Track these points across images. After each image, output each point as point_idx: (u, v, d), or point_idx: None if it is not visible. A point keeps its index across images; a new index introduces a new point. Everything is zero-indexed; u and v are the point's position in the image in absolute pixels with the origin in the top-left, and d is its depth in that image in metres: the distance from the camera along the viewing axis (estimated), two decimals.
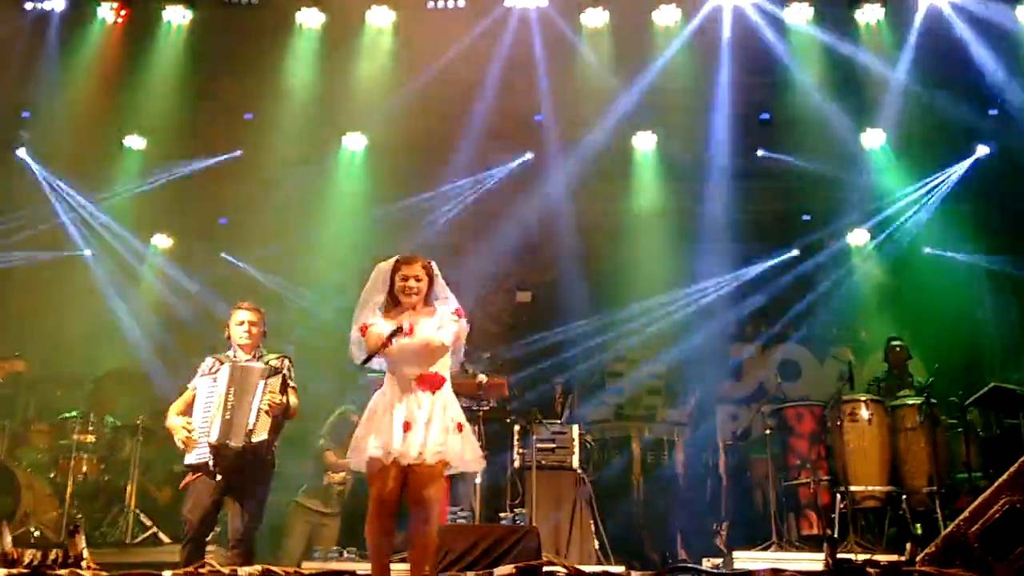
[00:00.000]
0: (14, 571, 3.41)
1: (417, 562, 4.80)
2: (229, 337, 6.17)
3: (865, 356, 10.81)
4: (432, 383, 4.94)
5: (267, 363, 6.06)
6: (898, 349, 9.21)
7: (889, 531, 7.84)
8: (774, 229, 11.18)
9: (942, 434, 8.08)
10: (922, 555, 3.53)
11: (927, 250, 10.86)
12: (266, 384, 5.94)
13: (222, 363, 6.05)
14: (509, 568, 3.34)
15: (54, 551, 3.49)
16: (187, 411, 5.98)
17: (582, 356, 10.97)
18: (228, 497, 5.91)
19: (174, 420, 5.95)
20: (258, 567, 3.51)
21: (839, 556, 3.14)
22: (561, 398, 9.40)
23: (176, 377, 6.39)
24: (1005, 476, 3.56)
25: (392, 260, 5.17)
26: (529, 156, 11.04)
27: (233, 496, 5.90)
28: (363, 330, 5.04)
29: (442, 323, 5.01)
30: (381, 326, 4.97)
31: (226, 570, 3.53)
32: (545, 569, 3.36)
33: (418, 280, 5.08)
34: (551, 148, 10.70)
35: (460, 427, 4.95)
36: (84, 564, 3.46)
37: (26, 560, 3.49)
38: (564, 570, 3.34)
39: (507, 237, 10.68)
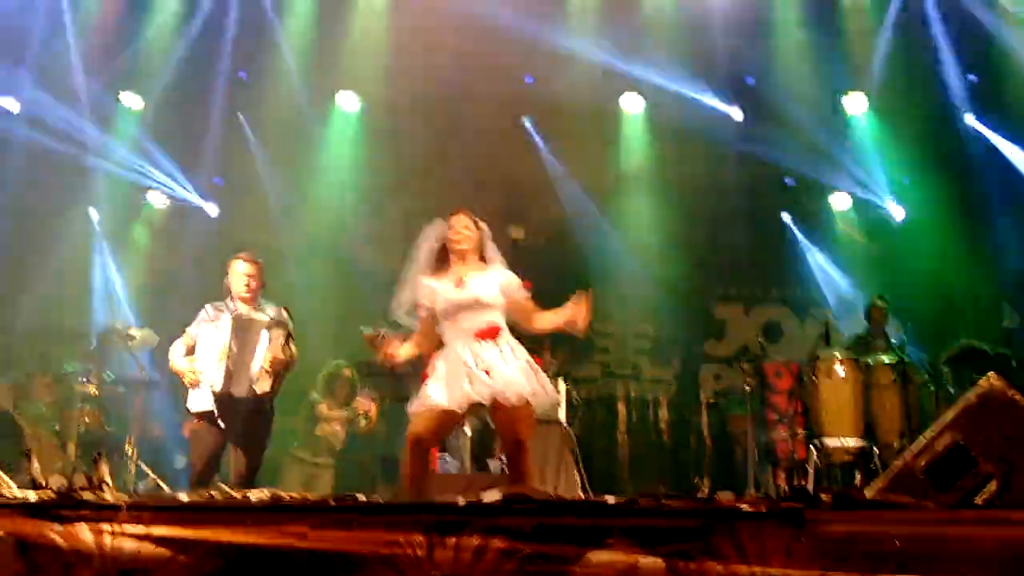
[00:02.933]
0: (42, 494, 3.67)
1: None
2: (228, 288, 6.26)
3: (845, 316, 11.08)
4: (492, 333, 4.98)
5: (271, 317, 6.19)
6: (879, 307, 9.48)
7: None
8: (758, 192, 11.39)
9: (915, 391, 8.36)
10: (873, 486, 3.81)
11: (905, 214, 11.10)
12: (269, 336, 6.09)
13: (221, 312, 6.17)
14: (496, 493, 3.59)
15: (79, 476, 3.75)
16: (187, 355, 6.12)
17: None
18: (230, 442, 6.12)
19: (180, 363, 6.08)
20: (266, 491, 3.77)
21: (795, 485, 3.41)
22: (548, 354, 9.64)
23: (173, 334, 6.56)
24: (950, 414, 3.83)
25: (438, 220, 5.26)
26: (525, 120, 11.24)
27: (235, 442, 6.10)
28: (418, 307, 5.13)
29: (504, 280, 5.10)
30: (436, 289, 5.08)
31: (238, 494, 3.79)
32: (530, 496, 3.62)
33: (467, 229, 5.16)
34: (543, 110, 10.86)
35: (533, 366, 5.00)
36: (106, 489, 3.72)
37: (53, 485, 3.75)
38: (547, 497, 3.61)
39: (497, 198, 10.86)
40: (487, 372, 4.85)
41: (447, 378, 4.93)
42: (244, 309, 6.22)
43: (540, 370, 5.06)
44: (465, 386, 4.85)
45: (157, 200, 11.50)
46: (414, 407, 5.00)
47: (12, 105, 10.33)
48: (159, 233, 11.43)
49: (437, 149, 10.78)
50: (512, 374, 4.86)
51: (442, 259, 5.19)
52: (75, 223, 10.88)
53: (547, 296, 5.42)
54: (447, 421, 4.97)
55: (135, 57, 10.40)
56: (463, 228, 5.17)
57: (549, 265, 10.47)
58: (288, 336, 6.15)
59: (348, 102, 11.17)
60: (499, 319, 5.06)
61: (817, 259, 11.38)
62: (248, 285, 6.23)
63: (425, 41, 9.98)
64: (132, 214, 11.38)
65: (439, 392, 4.91)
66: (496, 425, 5.03)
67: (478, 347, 4.94)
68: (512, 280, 5.15)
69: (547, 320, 5.21)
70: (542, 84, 10.73)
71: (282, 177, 10.95)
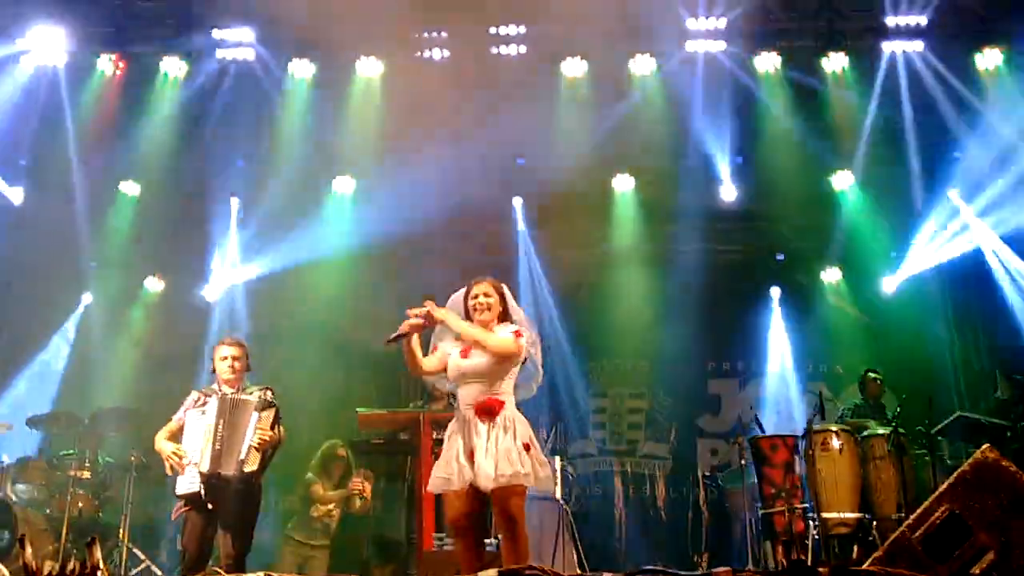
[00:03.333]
0: None
1: None
2: (214, 371, 6.40)
3: (840, 389, 11.13)
4: (489, 410, 5.06)
5: (259, 397, 6.25)
6: (874, 381, 9.53)
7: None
8: (749, 268, 11.51)
9: (910, 462, 8.37)
10: (870, 559, 3.82)
11: (896, 286, 11.22)
12: (259, 417, 6.15)
13: (208, 396, 6.28)
14: (492, 572, 3.59)
15: (72, 562, 3.74)
16: (173, 439, 6.21)
17: (565, 391, 11.22)
18: (220, 525, 6.13)
19: (164, 444, 6.16)
20: (261, 574, 3.75)
21: (793, 558, 3.42)
22: (544, 431, 9.65)
23: (170, 414, 6.65)
24: (945, 485, 3.86)
25: (464, 288, 5.39)
26: (515, 199, 11.39)
27: (225, 523, 6.12)
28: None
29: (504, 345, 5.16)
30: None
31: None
32: (527, 573, 3.61)
33: (487, 296, 5.26)
34: (533, 190, 11.03)
35: (527, 447, 5.05)
36: (100, 574, 3.70)
37: (45, 571, 3.73)
38: (545, 574, 3.60)
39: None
40: (471, 456, 4.99)
41: (446, 460, 5.12)
42: (230, 391, 6.31)
43: (535, 447, 5.11)
44: (456, 471, 5.03)
45: (153, 285, 11.57)
46: (433, 487, 5.21)
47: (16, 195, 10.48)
48: (155, 318, 11.47)
49: (429, 230, 10.90)
50: (501, 459, 4.94)
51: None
52: (68, 308, 10.95)
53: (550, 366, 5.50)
54: (465, 497, 5.05)
55: (133, 146, 10.54)
56: (483, 296, 5.27)
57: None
58: (276, 418, 6.25)
59: (343, 185, 11.31)
60: (500, 390, 5.14)
61: (809, 333, 11.40)
62: (233, 367, 6.35)
63: (419, 123, 10.14)
64: (129, 299, 11.43)
65: (437, 472, 5.14)
66: (492, 504, 5.07)
67: (472, 427, 5.05)
68: (507, 341, 5.18)
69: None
70: (534, 164, 10.88)
71: (276, 258, 11.02)
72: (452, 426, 5.22)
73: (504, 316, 5.30)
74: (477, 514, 5.13)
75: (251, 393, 6.30)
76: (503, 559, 5.08)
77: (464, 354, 5.18)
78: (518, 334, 5.20)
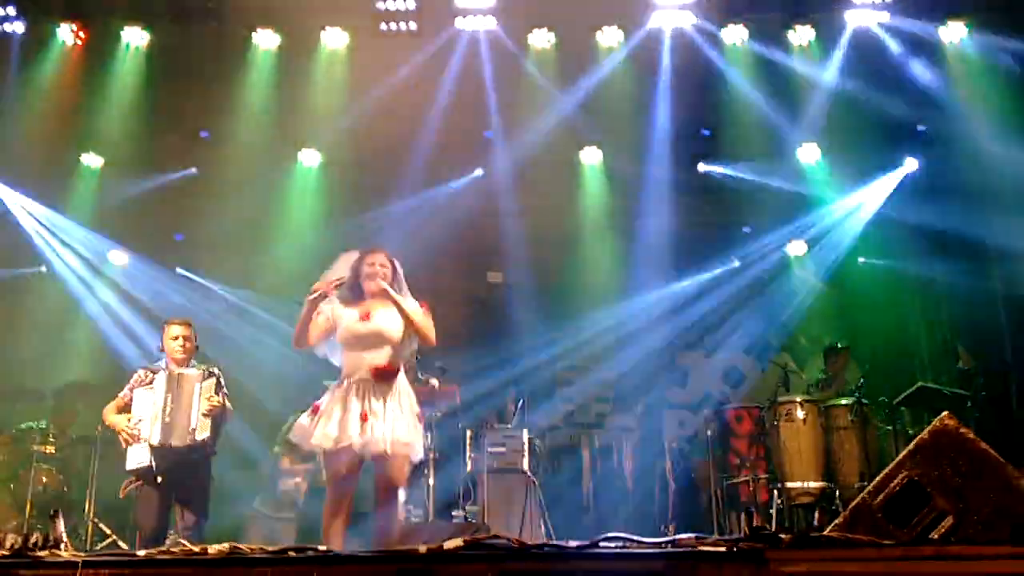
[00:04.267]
0: None
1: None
2: (162, 350, 6.59)
3: (804, 361, 11.22)
4: (386, 375, 5.11)
5: (202, 370, 6.50)
6: (837, 354, 9.63)
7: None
8: (715, 240, 11.55)
9: (873, 432, 8.51)
10: (831, 525, 3.87)
11: (861, 260, 11.31)
12: (201, 388, 6.37)
13: (155, 373, 6.46)
14: (458, 540, 3.59)
15: (35, 535, 3.72)
16: (121, 413, 6.42)
17: (532, 365, 11.25)
18: (173, 498, 6.29)
19: (115, 418, 6.38)
20: (226, 545, 3.74)
21: (755, 525, 3.45)
22: (512, 405, 9.65)
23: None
24: (905, 452, 3.90)
25: (356, 252, 5.40)
26: (479, 172, 11.34)
27: (179, 495, 6.31)
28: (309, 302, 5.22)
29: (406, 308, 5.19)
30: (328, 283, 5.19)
31: (197, 547, 3.76)
32: (495, 542, 3.62)
33: (383, 266, 5.29)
34: (500, 164, 10.99)
35: (420, 417, 5.19)
36: (63, 547, 3.68)
37: (7, 543, 3.71)
38: (509, 542, 3.61)
39: (459, 250, 10.94)
40: (363, 418, 4.99)
41: (336, 420, 5.04)
42: (176, 369, 6.48)
43: (422, 419, 5.26)
44: (346, 430, 4.98)
45: (117, 259, 11.44)
46: (321, 441, 5.06)
47: None
48: (119, 291, 11.35)
49: (400, 202, 10.84)
50: (400, 425, 5.04)
51: (353, 290, 5.30)
52: (32, 280, 10.80)
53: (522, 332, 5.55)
54: (351, 460, 5.05)
55: (94, 117, 10.36)
56: (379, 265, 5.30)
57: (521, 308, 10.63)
58: (218, 386, 6.45)
59: (309, 158, 11.21)
60: (397, 357, 5.21)
61: (775, 305, 11.48)
62: (184, 347, 6.56)
63: (385, 95, 10.07)
64: (92, 272, 11.30)
65: (323, 431, 5.03)
66: (377, 471, 5.09)
67: (369, 389, 5.06)
68: (416, 309, 5.26)
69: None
70: (501, 137, 10.85)
71: (243, 233, 10.92)
72: (337, 389, 5.17)
73: (393, 287, 5.30)
74: (355, 477, 5.13)
75: (197, 369, 6.52)
76: (380, 527, 5.09)
77: (365, 317, 5.17)
78: (424, 306, 5.29)
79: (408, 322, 5.19)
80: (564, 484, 10.35)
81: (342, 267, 5.36)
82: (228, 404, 6.52)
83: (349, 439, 4.97)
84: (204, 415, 6.27)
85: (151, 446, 6.17)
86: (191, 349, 6.57)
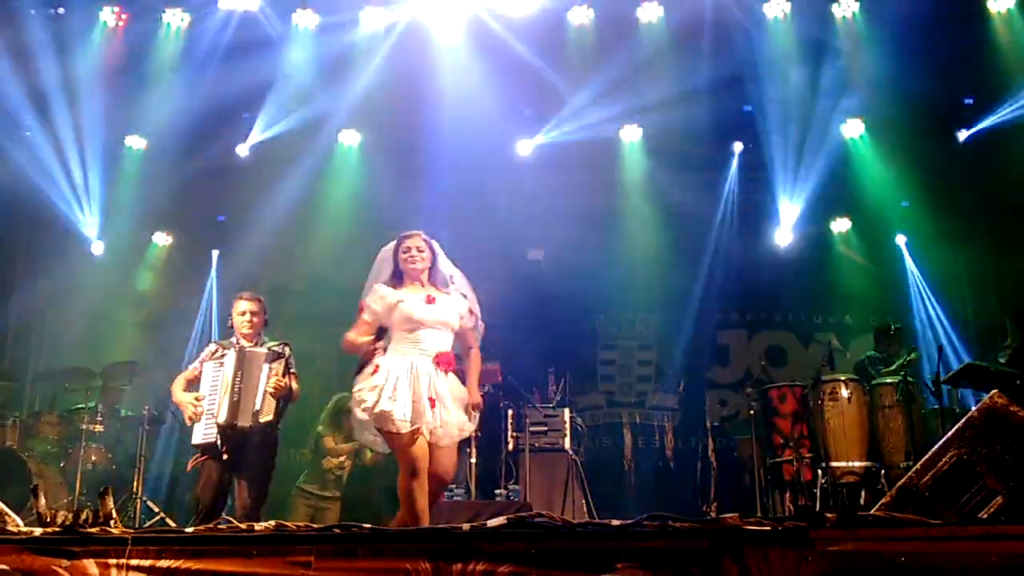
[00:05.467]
0: (48, 530, 3.69)
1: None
2: (231, 326, 6.53)
3: (849, 340, 11.10)
4: (448, 363, 5.14)
5: (270, 348, 6.41)
6: (890, 333, 9.47)
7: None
8: (759, 218, 11.43)
9: (919, 411, 8.39)
10: (878, 504, 3.82)
11: (905, 237, 11.14)
12: (271, 368, 6.29)
13: (226, 349, 6.40)
14: (500, 519, 3.60)
15: (85, 512, 3.78)
16: (189, 388, 6.37)
17: (573, 343, 11.23)
18: (235, 475, 6.24)
19: (182, 395, 6.32)
20: (271, 522, 3.78)
21: (800, 504, 3.42)
22: (554, 384, 9.66)
23: (178, 370, 6.75)
24: (953, 431, 3.84)
25: (393, 241, 5.38)
26: (520, 150, 11.30)
27: (240, 475, 6.25)
28: (361, 308, 5.22)
29: (462, 312, 5.27)
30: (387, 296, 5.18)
31: (243, 525, 3.80)
32: (537, 520, 3.62)
33: (419, 250, 5.27)
34: (540, 140, 10.93)
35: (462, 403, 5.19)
36: (112, 523, 3.74)
37: (59, 520, 3.78)
38: (551, 521, 3.61)
39: (499, 228, 10.92)
40: (433, 403, 5.00)
41: (404, 402, 4.96)
42: (246, 345, 6.44)
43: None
44: (420, 414, 4.94)
45: (161, 239, 11.58)
46: (378, 423, 5.01)
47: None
48: (163, 271, 11.50)
49: (439, 181, 10.84)
50: (460, 413, 5.11)
51: (396, 278, 5.30)
52: (80, 263, 10.95)
53: (558, 318, 5.56)
54: (423, 443, 5.01)
55: (137, 100, 10.46)
56: (416, 249, 5.28)
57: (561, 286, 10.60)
58: (287, 367, 6.38)
59: (349, 138, 11.24)
60: (456, 343, 5.28)
61: (819, 283, 11.35)
62: (251, 322, 6.49)
63: (424, 75, 10.06)
64: (137, 253, 11.44)
65: (400, 413, 4.94)
66: (435, 455, 5.05)
67: (433, 375, 5.04)
68: (466, 307, 5.32)
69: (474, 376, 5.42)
70: (541, 115, 10.79)
71: (285, 213, 10.99)
72: (395, 365, 5.06)
73: (433, 270, 5.32)
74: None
75: (268, 347, 6.44)
76: (427, 509, 5.01)
77: (430, 300, 5.17)
78: (474, 312, 5.36)
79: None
80: (605, 463, 10.36)
81: (383, 258, 5.37)
82: (295, 385, 6.44)
83: (424, 423, 4.96)
84: (270, 394, 6.20)
85: (217, 424, 6.15)
86: (259, 324, 6.50)
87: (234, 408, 6.17)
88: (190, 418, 6.24)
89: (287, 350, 6.45)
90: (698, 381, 11.32)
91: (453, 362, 5.17)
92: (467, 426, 5.14)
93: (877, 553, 3.21)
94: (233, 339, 6.49)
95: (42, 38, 9.79)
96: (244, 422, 6.16)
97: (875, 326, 9.74)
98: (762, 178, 11.10)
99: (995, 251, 10.61)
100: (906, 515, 3.53)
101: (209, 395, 6.26)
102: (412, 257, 5.24)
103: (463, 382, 5.27)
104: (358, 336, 5.22)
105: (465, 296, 5.36)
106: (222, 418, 6.14)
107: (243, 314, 6.48)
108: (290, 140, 10.69)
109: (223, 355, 6.37)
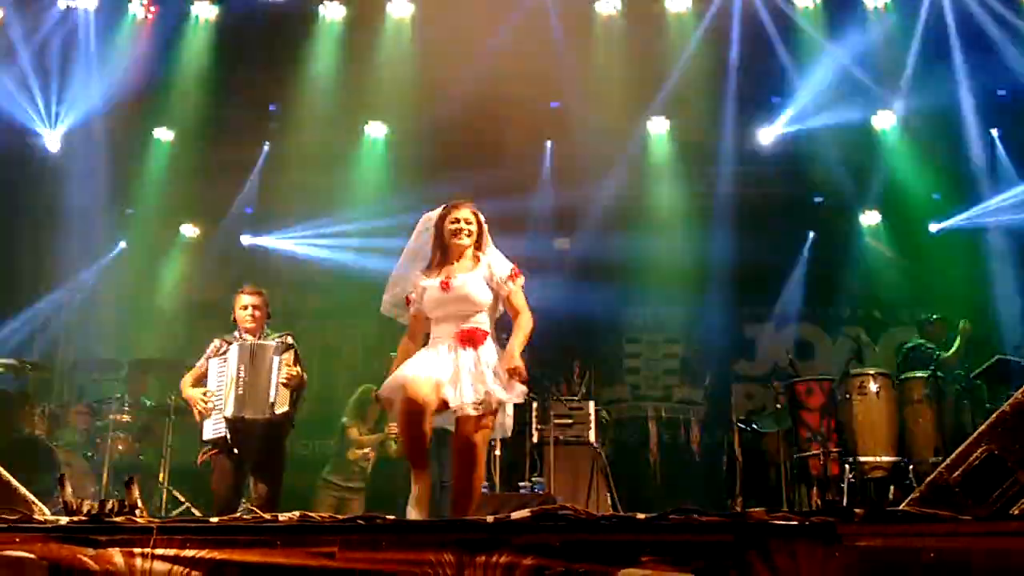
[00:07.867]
0: (74, 519, 3.71)
1: (463, 510, 4.74)
2: (234, 320, 6.53)
3: (878, 334, 10.99)
4: (472, 339, 4.84)
5: (280, 340, 6.43)
6: (936, 325, 9.34)
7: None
8: (786, 211, 11.33)
9: (949, 406, 8.29)
10: (907, 499, 3.77)
11: (938, 227, 11.00)
12: (281, 359, 6.32)
13: (229, 343, 6.43)
14: (525, 511, 3.58)
15: (111, 501, 3.80)
16: (197, 385, 6.41)
17: (599, 335, 11.19)
18: (247, 467, 6.30)
19: (192, 391, 6.37)
20: (296, 512, 3.78)
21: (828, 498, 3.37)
22: (579, 376, 9.62)
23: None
24: (985, 426, 3.78)
25: (439, 208, 5.11)
26: (547, 142, 11.26)
27: (254, 466, 6.30)
28: (408, 301, 5.03)
29: (492, 273, 4.94)
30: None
31: (267, 515, 3.81)
32: (561, 512, 3.59)
33: (468, 222, 5.00)
34: (567, 132, 10.89)
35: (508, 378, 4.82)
36: (138, 512, 3.76)
37: (85, 509, 3.80)
38: (576, 513, 3.59)
39: (526, 217, 10.88)
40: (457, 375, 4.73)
41: (422, 363, 4.79)
42: (250, 339, 6.46)
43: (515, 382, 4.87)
44: (445, 381, 4.72)
45: (188, 232, 11.64)
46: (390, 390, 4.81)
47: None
48: (192, 264, 11.57)
49: (465, 173, 10.81)
50: (488, 381, 4.75)
51: (439, 249, 5.05)
52: (108, 255, 11.03)
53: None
54: (428, 415, 4.70)
55: (165, 91, 10.51)
56: (464, 222, 5.02)
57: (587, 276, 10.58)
58: (296, 357, 6.40)
59: (376, 130, 11.25)
60: (484, 321, 4.93)
61: (848, 276, 11.24)
62: (253, 316, 6.50)
63: (451, 67, 10.04)
64: (165, 245, 11.51)
65: (416, 369, 4.75)
66: (459, 426, 4.79)
67: (456, 353, 4.79)
68: (499, 272, 4.98)
69: (515, 340, 4.97)
70: (568, 108, 10.75)
71: (310, 204, 11.01)
72: (428, 347, 4.92)
73: (479, 244, 5.06)
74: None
75: (271, 339, 6.46)
76: (459, 490, 4.87)
77: (445, 283, 4.92)
78: (515, 275, 5.01)
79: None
80: (630, 457, 10.31)
81: (425, 227, 5.13)
82: (304, 375, 6.46)
83: (443, 382, 4.72)
84: (284, 385, 6.22)
85: (225, 418, 6.17)
86: (261, 318, 6.51)
87: (240, 401, 6.20)
88: (199, 413, 6.29)
89: (291, 339, 6.49)
90: (724, 375, 11.24)
91: (481, 337, 4.85)
92: (499, 393, 4.75)
93: (906, 549, 3.17)
94: (236, 333, 6.51)
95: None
96: (254, 413, 6.19)
97: (921, 321, 9.59)
98: (795, 170, 10.98)
99: None
100: (936, 511, 3.48)
101: (216, 390, 6.31)
102: (459, 230, 4.98)
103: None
104: (410, 343, 5.07)
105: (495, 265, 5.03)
106: (229, 412, 6.18)
107: (245, 308, 6.49)
108: (316, 131, 10.68)
109: (226, 350, 6.41)
